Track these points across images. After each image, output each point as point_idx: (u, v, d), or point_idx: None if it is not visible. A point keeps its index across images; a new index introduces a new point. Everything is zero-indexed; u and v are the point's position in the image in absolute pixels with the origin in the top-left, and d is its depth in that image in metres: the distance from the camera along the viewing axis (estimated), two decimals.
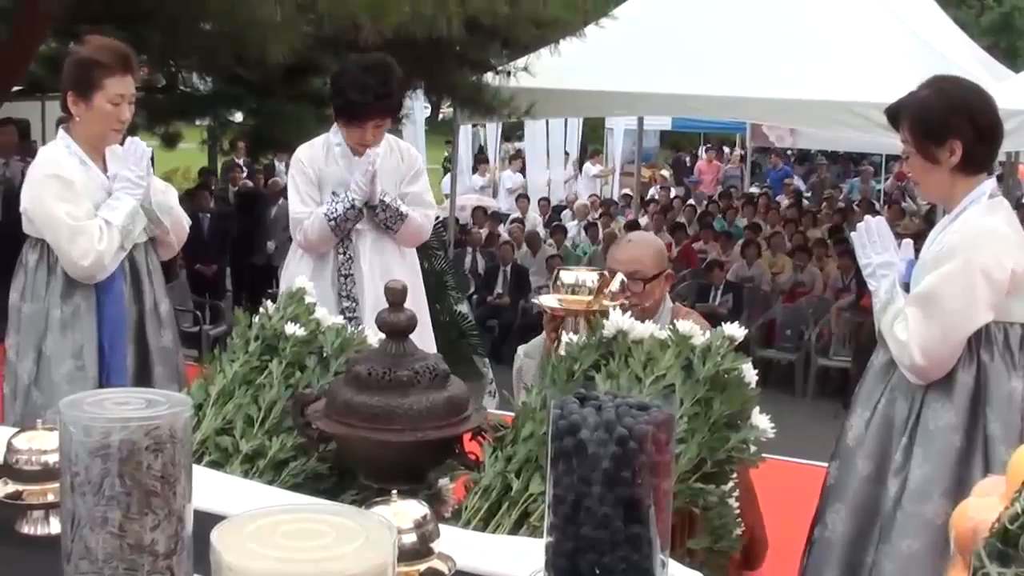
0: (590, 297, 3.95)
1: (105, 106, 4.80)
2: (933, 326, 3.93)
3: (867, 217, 4.39)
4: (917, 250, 4.28)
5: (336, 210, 5.55)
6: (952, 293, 3.94)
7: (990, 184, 4.13)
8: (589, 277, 4.00)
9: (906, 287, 4.15)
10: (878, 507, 4.11)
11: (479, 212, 20.20)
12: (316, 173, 5.67)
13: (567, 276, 4.05)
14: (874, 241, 4.22)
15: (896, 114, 4.21)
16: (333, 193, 5.62)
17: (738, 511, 3.40)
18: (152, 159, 5.07)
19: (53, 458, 2.44)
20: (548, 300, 4.08)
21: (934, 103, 4.08)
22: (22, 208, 4.89)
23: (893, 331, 4.06)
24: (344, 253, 5.67)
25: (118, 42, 4.91)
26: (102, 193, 4.89)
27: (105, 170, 4.93)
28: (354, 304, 5.67)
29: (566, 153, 28.50)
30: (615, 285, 4.03)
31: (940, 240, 4.08)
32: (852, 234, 4.37)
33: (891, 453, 4.08)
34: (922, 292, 4.02)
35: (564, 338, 3.57)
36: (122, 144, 4.95)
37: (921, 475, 3.99)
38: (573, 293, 4.01)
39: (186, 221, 5.29)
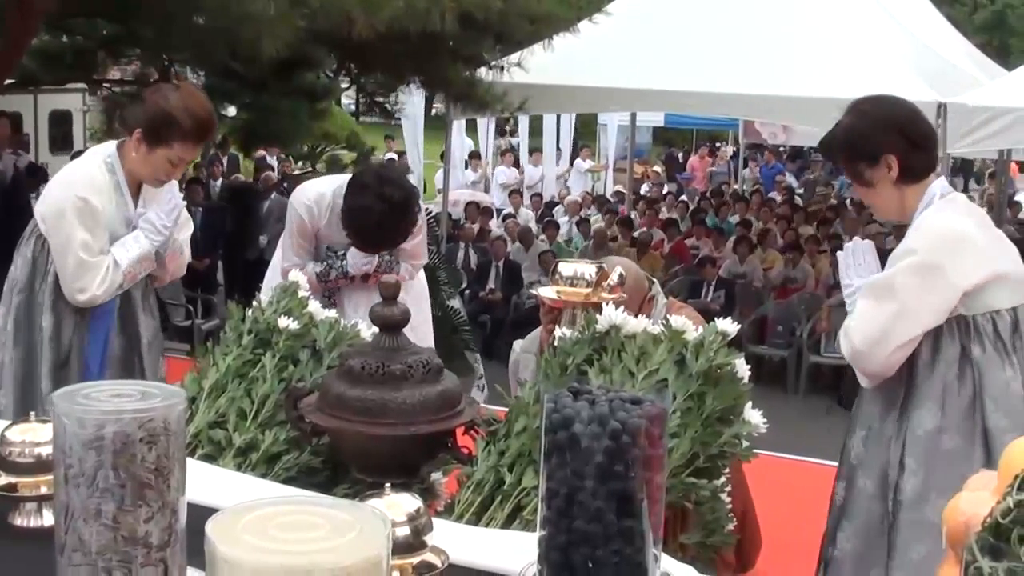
0: (588, 289, 3.95)
1: (165, 164, 4.80)
2: (883, 315, 3.94)
3: (856, 239, 4.36)
4: None
5: (328, 275, 5.54)
6: (904, 289, 3.93)
7: (939, 184, 4.11)
8: (588, 270, 4.01)
9: None
10: (882, 522, 4.08)
11: (472, 207, 20.18)
12: (314, 229, 5.55)
13: (566, 268, 4.06)
14: (859, 264, 4.20)
15: (828, 150, 4.36)
16: (329, 249, 5.58)
17: (730, 507, 3.41)
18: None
19: (47, 450, 2.44)
20: (546, 292, 4.09)
21: (858, 126, 4.12)
22: (41, 209, 4.88)
23: (844, 324, 4.10)
24: (329, 298, 5.62)
25: (207, 106, 4.84)
26: (123, 225, 4.89)
27: (136, 198, 4.94)
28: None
29: (558, 149, 28.48)
30: (614, 278, 4.03)
31: (901, 244, 4.06)
32: (838, 254, 4.34)
33: (889, 467, 4.06)
34: (877, 281, 4.04)
35: (558, 332, 3.57)
36: None
37: (915, 482, 3.97)
38: (571, 285, 4.02)
39: (186, 260, 5.30)
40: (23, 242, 4.96)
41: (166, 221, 4.89)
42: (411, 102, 20.32)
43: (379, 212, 5.19)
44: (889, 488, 4.04)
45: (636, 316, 4.71)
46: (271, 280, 5.56)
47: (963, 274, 3.90)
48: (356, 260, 5.49)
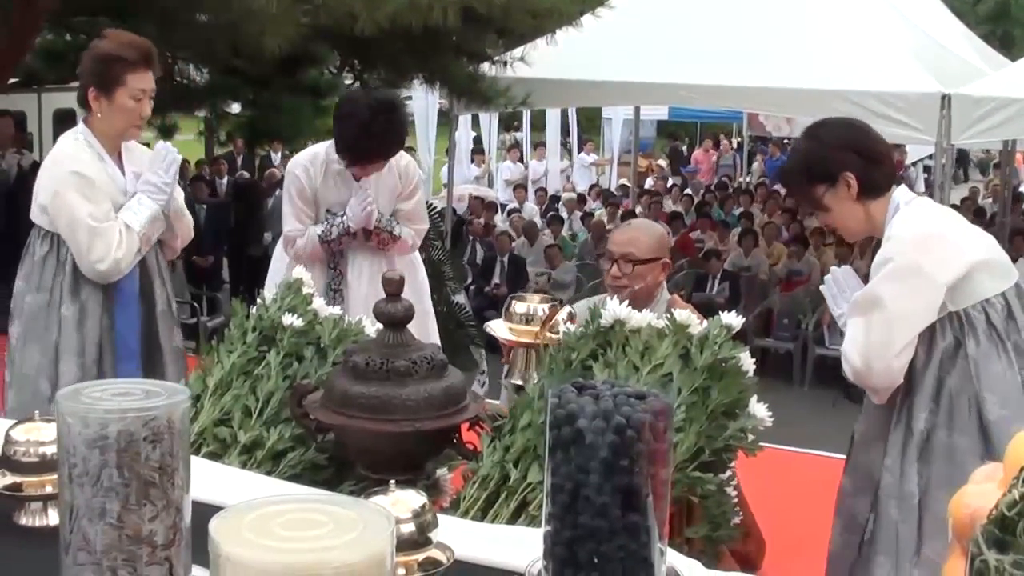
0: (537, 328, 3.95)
1: (127, 102, 4.80)
2: (873, 330, 3.96)
3: (832, 268, 4.40)
4: None
5: (331, 233, 5.55)
6: (889, 294, 3.95)
7: (901, 192, 4.14)
8: (541, 308, 3.99)
9: None
10: (895, 520, 4.08)
11: (476, 203, 20.18)
12: (312, 189, 5.62)
13: (519, 306, 4.05)
14: (843, 291, 4.22)
15: (787, 178, 4.43)
16: (329, 212, 5.60)
17: (736, 500, 3.41)
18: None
19: (51, 449, 2.44)
20: (500, 329, 4.08)
21: (812, 149, 4.16)
22: (39, 201, 4.87)
23: (843, 351, 4.10)
24: (335, 268, 5.65)
25: (139, 37, 4.90)
26: (118, 191, 4.88)
27: (121, 167, 4.93)
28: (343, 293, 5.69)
29: (563, 144, 28.49)
30: (562, 316, 4.00)
31: (876, 257, 4.08)
32: (822, 287, 4.38)
33: (891, 467, 4.07)
34: (859, 299, 4.05)
35: (514, 378, 3.61)
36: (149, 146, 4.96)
37: (924, 483, 3.99)
38: (526, 323, 4.01)
39: (190, 222, 5.28)
40: (25, 255, 4.96)
41: (166, 178, 4.92)
42: (422, 98, 20.36)
43: (367, 112, 5.37)
44: (907, 494, 4.03)
45: (642, 272, 4.80)
46: (274, 276, 5.56)
47: (941, 269, 3.93)
48: (355, 209, 5.54)
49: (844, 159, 4.07)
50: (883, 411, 4.14)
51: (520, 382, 4.16)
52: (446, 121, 18.12)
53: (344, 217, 5.54)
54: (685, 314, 3.35)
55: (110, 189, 4.85)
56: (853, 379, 4.06)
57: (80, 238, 4.75)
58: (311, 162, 5.67)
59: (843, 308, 4.19)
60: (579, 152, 29.37)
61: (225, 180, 19.19)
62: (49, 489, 2.47)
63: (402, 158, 5.80)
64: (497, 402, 3.68)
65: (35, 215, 4.91)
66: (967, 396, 3.95)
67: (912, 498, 4.01)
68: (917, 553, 4.01)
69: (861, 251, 13.02)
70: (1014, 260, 15.21)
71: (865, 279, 4.15)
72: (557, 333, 3.79)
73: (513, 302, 4.13)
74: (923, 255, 3.94)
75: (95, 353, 4.84)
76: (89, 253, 4.76)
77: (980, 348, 3.95)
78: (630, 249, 4.94)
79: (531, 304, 4.03)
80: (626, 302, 3.49)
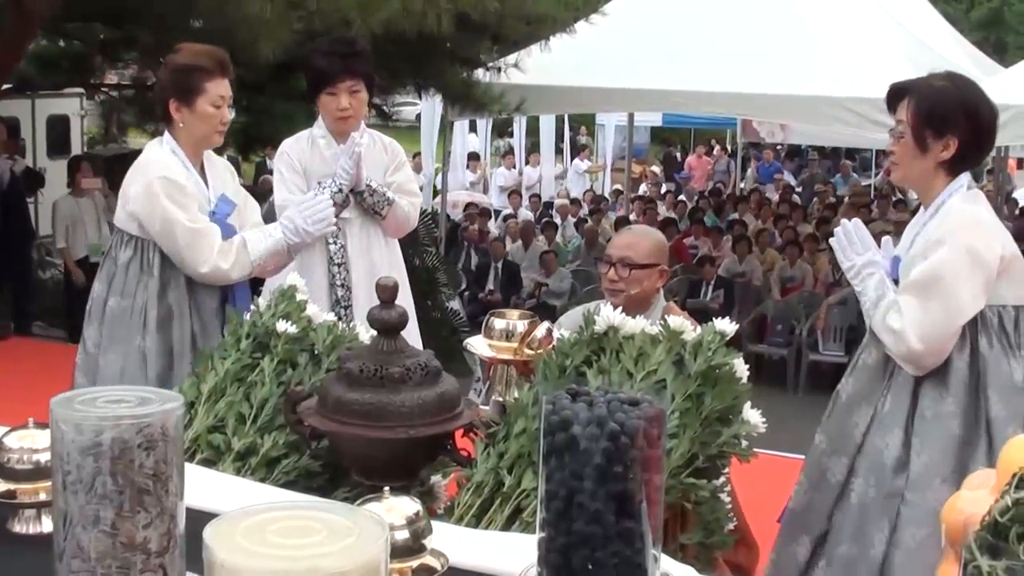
0: (515, 345, 3.95)
1: (208, 108, 4.81)
2: (932, 310, 3.95)
3: (843, 220, 4.39)
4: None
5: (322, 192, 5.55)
6: (948, 277, 3.95)
7: (966, 176, 4.16)
8: (520, 324, 3.99)
9: (895, 283, 4.17)
10: (881, 503, 4.11)
11: (472, 208, 20.18)
12: (302, 164, 5.67)
13: (498, 322, 4.05)
14: (853, 243, 4.23)
15: (901, 94, 4.21)
16: (319, 183, 5.62)
17: (730, 506, 3.41)
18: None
19: (45, 456, 2.43)
20: (480, 346, 4.08)
21: (947, 94, 4.11)
22: (127, 208, 4.86)
23: (887, 322, 4.06)
24: (335, 243, 5.66)
25: (213, 47, 4.94)
26: (204, 199, 4.90)
27: (205, 178, 4.96)
28: (348, 292, 5.67)
29: (558, 150, 28.49)
30: (540, 332, 4.00)
31: (925, 232, 4.11)
32: (831, 240, 4.37)
33: (893, 448, 4.09)
34: (917, 279, 4.03)
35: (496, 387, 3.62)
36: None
37: (920, 464, 4.01)
38: (506, 339, 4.01)
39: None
40: (106, 260, 4.99)
41: (309, 229, 4.97)
42: (430, 106, 20.41)
43: (326, 41, 5.75)
44: (892, 469, 4.08)
45: (640, 277, 4.82)
46: (270, 284, 5.56)
47: (994, 251, 3.98)
48: (342, 161, 5.56)
49: (961, 123, 4.06)
50: (875, 374, 4.21)
51: (500, 399, 4.17)
52: (443, 128, 18.17)
53: (333, 178, 5.56)
54: (679, 320, 3.35)
55: (197, 196, 4.87)
56: (902, 357, 4.05)
57: (179, 242, 4.77)
58: (297, 139, 5.82)
59: (853, 260, 4.22)
60: (573, 158, 29.36)
61: None
62: (43, 496, 2.47)
63: (383, 135, 5.90)
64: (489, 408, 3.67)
65: (121, 221, 4.92)
66: (975, 388, 4.01)
67: (898, 477, 4.06)
68: (892, 531, 4.07)
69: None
70: None
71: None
72: (535, 349, 3.80)
73: (492, 319, 4.13)
74: (979, 237, 4.00)
75: (181, 356, 4.84)
76: (190, 257, 4.78)
77: (992, 348, 4.01)
78: (628, 253, 4.96)
79: (510, 320, 4.03)
80: (619, 308, 3.49)
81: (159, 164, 4.85)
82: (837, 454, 4.26)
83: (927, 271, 4.00)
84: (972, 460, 3.92)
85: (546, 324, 4.11)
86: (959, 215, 4.04)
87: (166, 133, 4.96)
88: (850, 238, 4.24)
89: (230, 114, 4.91)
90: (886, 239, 4.38)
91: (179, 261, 4.80)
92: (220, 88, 4.83)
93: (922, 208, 4.28)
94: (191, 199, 4.81)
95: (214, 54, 4.87)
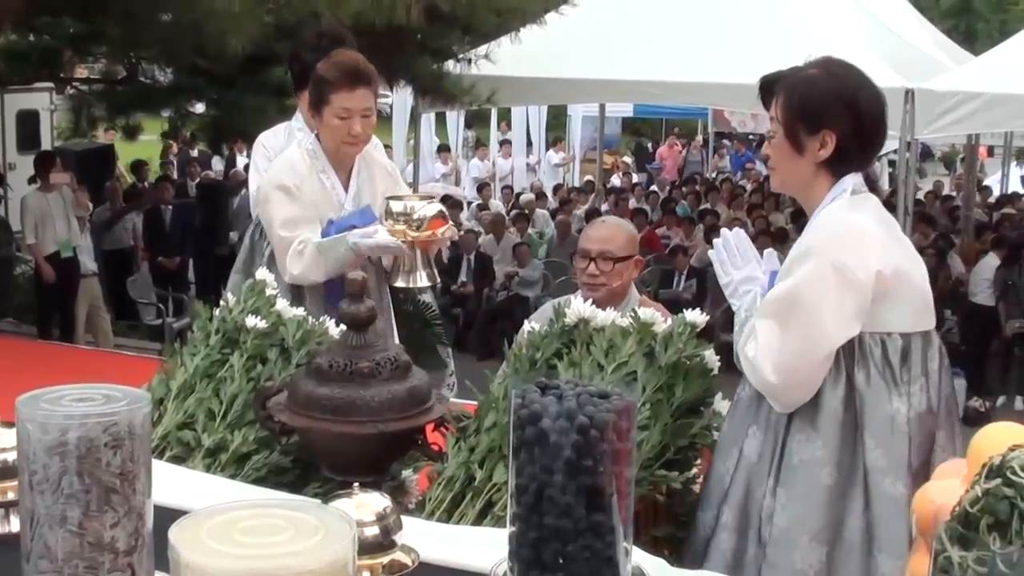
0: (416, 230, 4.03)
1: (332, 120, 4.74)
2: (790, 339, 3.31)
3: (723, 230, 3.81)
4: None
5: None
6: (809, 298, 3.31)
7: (852, 179, 3.48)
8: (419, 206, 4.04)
9: None
10: (747, 561, 3.43)
11: (447, 200, 20.19)
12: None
13: (396, 205, 4.11)
14: (733, 256, 3.67)
15: (771, 87, 3.66)
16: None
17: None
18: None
19: (12, 456, 2.42)
20: (380, 233, 4.24)
21: (819, 84, 3.50)
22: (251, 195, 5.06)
23: (744, 349, 3.44)
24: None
25: (355, 56, 4.85)
26: (332, 204, 4.85)
27: (346, 183, 4.92)
28: None
29: (528, 142, 28.49)
30: (428, 211, 4.07)
31: (797, 242, 3.49)
32: (710, 251, 3.80)
33: (756, 500, 3.42)
34: (774, 299, 3.40)
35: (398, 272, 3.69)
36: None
37: (786, 519, 3.33)
38: (405, 223, 4.08)
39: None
40: (239, 246, 5.18)
41: (369, 243, 4.69)
42: (401, 96, 20.38)
43: (315, 33, 5.63)
44: (754, 523, 3.41)
45: (618, 270, 4.80)
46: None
47: (868, 267, 3.32)
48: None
49: (838, 115, 3.44)
50: (746, 411, 3.50)
51: (403, 284, 4.23)
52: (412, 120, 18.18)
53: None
54: (649, 312, 3.36)
55: (319, 200, 4.83)
56: (760, 389, 3.39)
57: (274, 243, 4.84)
58: (275, 132, 5.73)
59: (730, 275, 3.65)
60: (547, 150, 29.37)
61: (196, 182, 19.22)
62: (11, 496, 2.45)
63: (382, 157, 5.80)
64: (465, 402, 3.66)
65: (252, 207, 5.10)
66: (850, 430, 3.34)
67: (768, 529, 3.37)
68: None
69: None
70: (979, 253, 15.21)
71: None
72: (423, 230, 3.88)
73: (389, 202, 4.16)
74: (852, 252, 3.34)
75: None
76: (278, 260, 4.82)
77: (871, 384, 3.35)
78: (608, 247, 4.89)
79: (409, 202, 4.07)
80: (590, 300, 3.49)
81: (281, 165, 4.93)
82: (707, 505, 3.53)
83: (786, 290, 3.37)
84: (845, 514, 3.30)
85: (437, 204, 4.16)
86: (830, 224, 3.43)
87: (314, 135, 4.99)
88: (730, 250, 3.68)
89: (361, 126, 4.76)
90: (769, 251, 3.76)
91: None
92: (347, 100, 4.72)
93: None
94: (300, 204, 4.80)
95: (344, 64, 4.78)
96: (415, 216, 4.24)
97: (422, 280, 4.41)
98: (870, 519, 3.24)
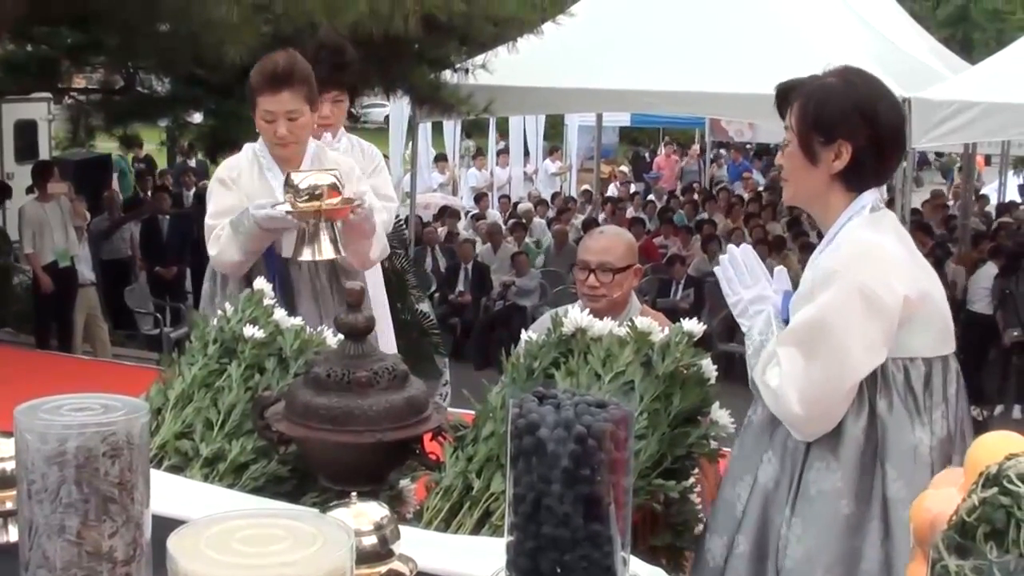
0: (320, 202, 4.13)
1: (260, 123, 4.81)
2: (814, 368, 3.20)
3: (730, 247, 3.67)
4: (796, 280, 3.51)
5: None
6: (836, 326, 3.21)
7: (872, 196, 3.40)
8: (312, 176, 4.11)
9: (786, 323, 3.40)
10: None
11: (445, 211, 20.19)
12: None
13: (294, 177, 4.19)
14: (741, 273, 3.50)
15: (787, 95, 3.57)
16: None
17: (700, 507, 3.42)
18: None
19: (11, 465, 2.42)
20: (282, 207, 4.30)
21: (837, 93, 3.41)
22: None
23: (765, 378, 3.32)
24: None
25: (279, 58, 4.85)
26: (272, 199, 4.83)
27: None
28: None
29: (526, 151, 28.49)
30: (302, 182, 4.23)
31: (816, 264, 3.36)
32: (716, 268, 3.66)
33: (774, 528, 3.33)
34: (799, 327, 3.28)
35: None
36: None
37: (802, 551, 3.25)
38: (310, 198, 4.16)
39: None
40: None
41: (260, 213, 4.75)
42: (399, 107, 20.39)
43: (314, 46, 5.63)
44: (771, 553, 3.32)
45: (619, 281, 4.78)
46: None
47: (895, 291, 3.22)
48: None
49: (854, 127, 3.33)
50: (759, 435, 3.44)
51: (308, 257, 4.38)
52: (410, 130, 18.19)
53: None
54: (646, 321, 3.35)
55: (256, 193, 4.85)
56: (784, 421, 3.29)
57: (205, 233, 4.90)
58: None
59: (739, 294, 3.50)
60: (544, 159, 29.36)
61: (192, 192, 19.23)
62: (10, 505, 2.45)
63: (361, 140, 5.85)
64: (463, 411, 3.66)
65: None
66: (869, 459, 3.26)
67: (784, 561, 3.29)
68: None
69: None
70: (977, 262, 15.20)
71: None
72: (305, 201, 4.18)
73: (289, 175, 4.22)
74: (879, 274, 3.24)
75: None
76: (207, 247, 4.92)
77: (893, 412, 3.26)
78: (607, 258, 4.85)
79: (303, 175, 4.17)
80: (587, 310, 3.49)
81: (225, 163, 5.05)
82: (717, 532, 3.45)
83: (811, 318, 3.25)
84: (862, 546, 3.22)
85: (329, 176, 4.22)
86: (853, 245, 3.30)
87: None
88: (737, 268, 3.52)
89: (285, 129, 4.78)
90: (779, 269, 3.63)
91: None
92: (269, 103, 4.76)
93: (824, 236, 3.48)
94: (234, 196, 4.86)
95: (268, 68, 4.81)
96: (303, 186, 4.28)
97: (327, 252, 4.42)
98: (889, 550, 3.17)
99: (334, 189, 4.36)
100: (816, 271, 3.31)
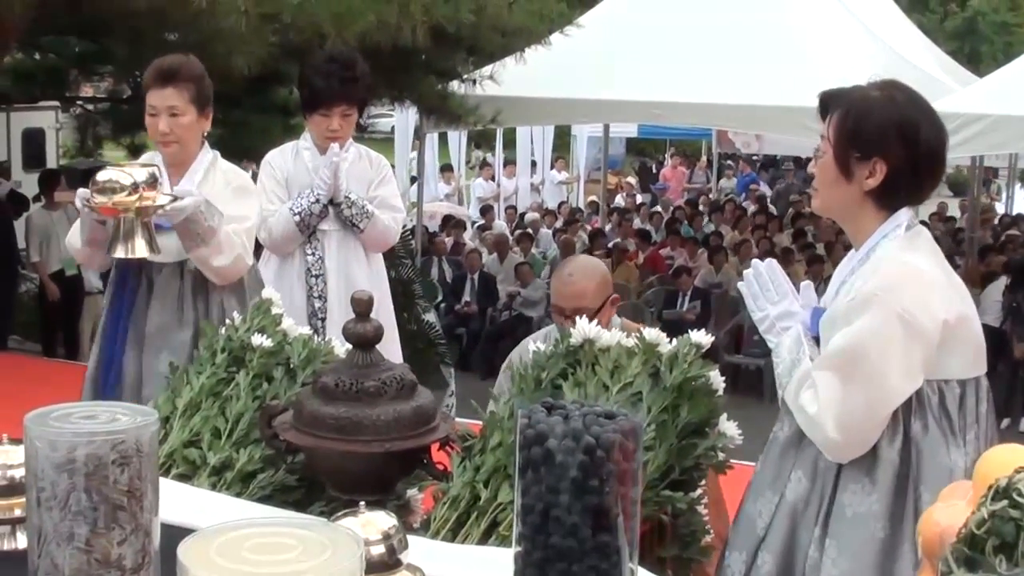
0: (133, 196, 4.19)
1: (147, 119, 4.85)
2: (853, 394, 3.14)
3: (755, 261, 3.55)
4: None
5: (301, 204, 5.54)
6: (874, 351, 3.13)
7: (907, 214, 3.30)
8: (112, 172, 4.17)
9: (816, 340, 3.34)
10: None
11: (447, 221, 20.19)
12: (284, 175, 5.67)
13: (104, 174, 4.26)
14: (767, 289, 3.42)
15: (829, 102, 3.46)
16: (299, 194, 5.62)
17: (707, 519, 3.41)
18: None
19: (20, 472, 2.41)
20: (100, 199, 4.27)
21: (878, 109, 3.30)
22: None
23: (799, 402, 3.25)
24: (313, 254, 5.65)
25: (175, 57, 4.89)
26: None
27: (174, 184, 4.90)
28: (324, 304, 5.65)
29: (532, 161, 28.49)
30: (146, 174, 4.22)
31: (851, 286, 3.27)
32: (740, 284, 3.55)
33: (802, 548, 3.28)
34: (836, 351, 3.20)
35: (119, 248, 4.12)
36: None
37: (837, 573, 3.18)
38: (129, 194, 4.22)
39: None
40: None
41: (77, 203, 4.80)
42: (403, 117, 20.39)
43: (326, 58, 5.70)
44: (798, 573, 3.27)
45: (597, 317, 4.69)
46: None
47: (935, 316, 3.16)
48: (321, 172, 5.57)
49: (893, 144, 3.23)
50: (785, 453, 3.39)
51: (123, 255, 4.33)
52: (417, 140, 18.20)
53: (311, 189, 5.58)
54: (655, 333, 3.35)
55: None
56: (820, 446, 3.22)
57: None
58: (282, 151, 5.83)
59: (765, 310, 3.41)
60: (550, 169, 29.36)
61: None
62: (18, 512, 2.45)
63: (370, 150, 5.90)
64: (470, 421, 3.65)
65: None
66: (903, 481, 3.19)
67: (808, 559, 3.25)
68: None
69: (834, 262, 13.06)
70: (984, 276, 15.17)
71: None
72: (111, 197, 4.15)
73: (98, 173, 4.28)
74: (918, 301, 3.16)
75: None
76: None
77: (928, 434, 3.19)
78: (581, 303, 4.67)
79: (107, 172, 4.17)
80: None
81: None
82: (737, 548, 3.42)
83: (849, 342, 3.18)
84: (899, 568, 3.15)
85: (126, 173, 4.25)
86: (892, 267, 3.21)
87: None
88: (763, 283, 3.44)
89: (166, 125, 4.79)
90: (806, 284, 3.57)
91: None
92: (153, 98, 4.80)
93: (853, 249, 3.42)
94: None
95: (157, 64, 4.85)
96: (99, 179, 4.28)
97: (140, 250, 4.39)
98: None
99: (148, 186, 4.32)
100: (854, 294, 3.22)
